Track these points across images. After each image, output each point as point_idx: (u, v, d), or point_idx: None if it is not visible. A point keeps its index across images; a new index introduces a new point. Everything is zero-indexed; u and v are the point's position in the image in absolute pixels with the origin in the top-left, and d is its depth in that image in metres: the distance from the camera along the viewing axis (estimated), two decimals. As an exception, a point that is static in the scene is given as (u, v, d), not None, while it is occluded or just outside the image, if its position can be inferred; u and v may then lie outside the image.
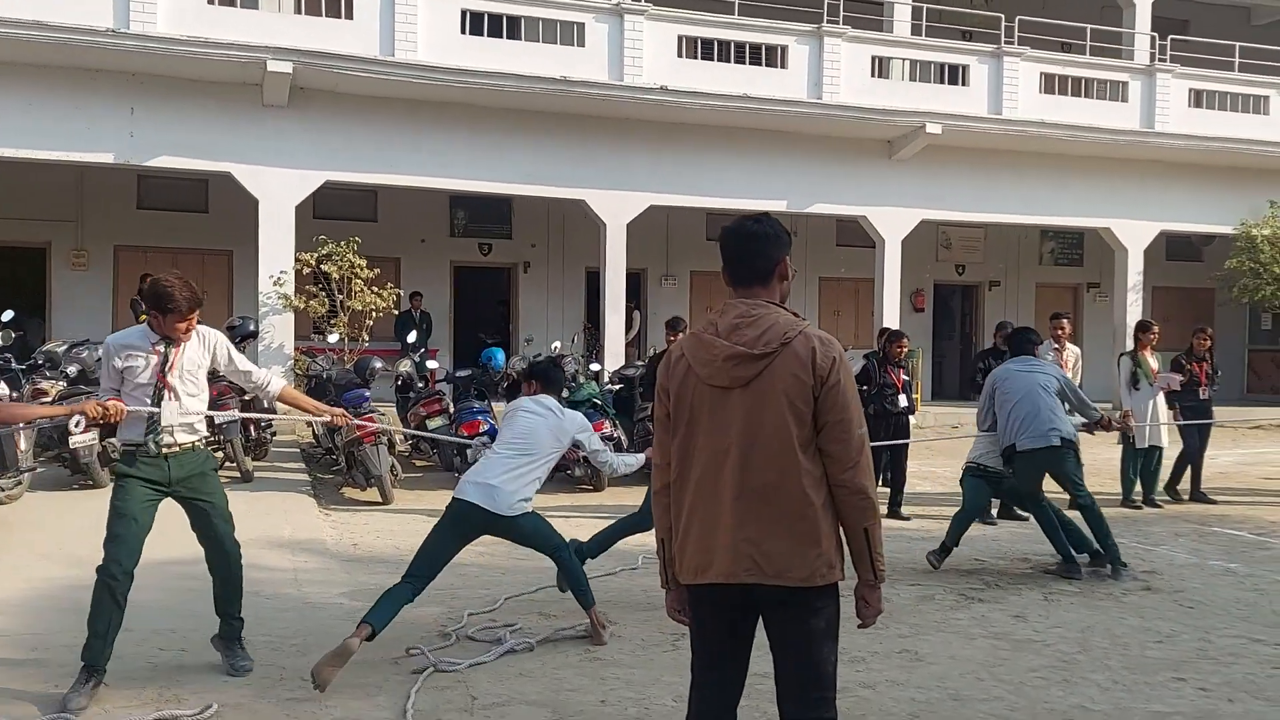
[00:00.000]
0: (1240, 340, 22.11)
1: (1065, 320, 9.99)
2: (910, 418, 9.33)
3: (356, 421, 6.82)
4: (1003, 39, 16.43)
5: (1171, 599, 6.42)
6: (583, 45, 14.35)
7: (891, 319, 15.79)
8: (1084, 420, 7.47)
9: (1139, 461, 9.73)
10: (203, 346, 4.76)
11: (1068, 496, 7.48)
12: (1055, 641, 5.52)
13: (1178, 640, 5.56)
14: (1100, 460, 10.60)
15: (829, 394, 2.78)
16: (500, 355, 11.82)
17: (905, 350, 9.42)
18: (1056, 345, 9.64)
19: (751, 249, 2.90)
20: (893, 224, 16.52)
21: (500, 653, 5.17)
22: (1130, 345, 10.53)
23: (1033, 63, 16.63)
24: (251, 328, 10.97)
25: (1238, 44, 18.04)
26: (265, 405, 8.66)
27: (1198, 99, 17.53)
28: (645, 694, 4.67)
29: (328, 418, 5.45)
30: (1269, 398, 20.25)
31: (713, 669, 2.97)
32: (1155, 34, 17.50)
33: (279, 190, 13.41)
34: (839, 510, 2.84)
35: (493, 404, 10.98)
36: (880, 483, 8.97)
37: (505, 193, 15.48)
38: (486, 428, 10.18)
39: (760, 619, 2.93)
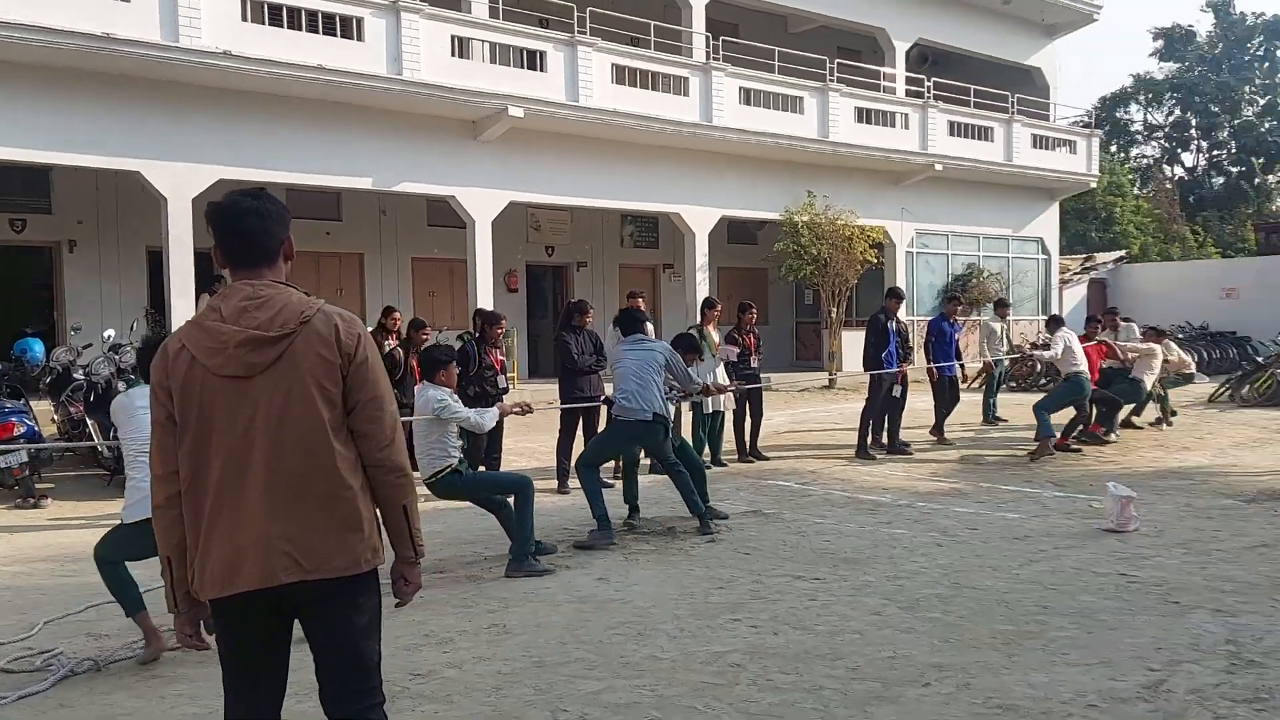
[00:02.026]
0: (789, 314, 25.07)
1: (640, 298, 10.76)
2: (505, 398, 9.43)
3: None
4: (576, 29, 17.09)
5: (732, 548, 7.06)
6: (128, 0, 12.82)
7: (485, 299, 15.91)
8: (692, 389, 8.45)
9: (706, 425, 10.62)
10: None
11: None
12: (633, 598, 5.83)
13: (735, 585, 6.11)
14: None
15: (358, 371, 2.66)
16: (38, 347, 10.33)
17: (503, 331, 9.54)
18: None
19: (256, 227, 2.70)
20: (481, 204, 16.64)
21: (56, 679, 4.58)
22: (699, 320, 11.43)
23: (604, 54, 17.45)
24: None
25: (776, 49, 20.27)
26: None
27: (747, 97, 19.40)
28: (212, 706, 4.26)
29: None
30: (813, 364, 23.09)
31: (251, 684, 2.72)
32: (710, 34, 19.14)
33: None
34: (375, 490, 2.73)
35: (30, 402, 9.55)
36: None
37: (40, 161, 13.47)
38: (23, 430, 8.85)
39: (297, 619, 2.74)
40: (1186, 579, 6.01)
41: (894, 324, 11.69)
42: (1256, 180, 43.01)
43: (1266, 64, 43.92)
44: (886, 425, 11.85)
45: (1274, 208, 41.36)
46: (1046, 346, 11.95)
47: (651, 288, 22.52)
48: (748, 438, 11.27)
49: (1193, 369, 14.40)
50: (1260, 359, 18.62)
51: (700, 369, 10.49)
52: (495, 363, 9.25)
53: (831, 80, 20.63)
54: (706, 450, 10.64)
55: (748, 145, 19.32)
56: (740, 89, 19.24)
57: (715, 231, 20.16)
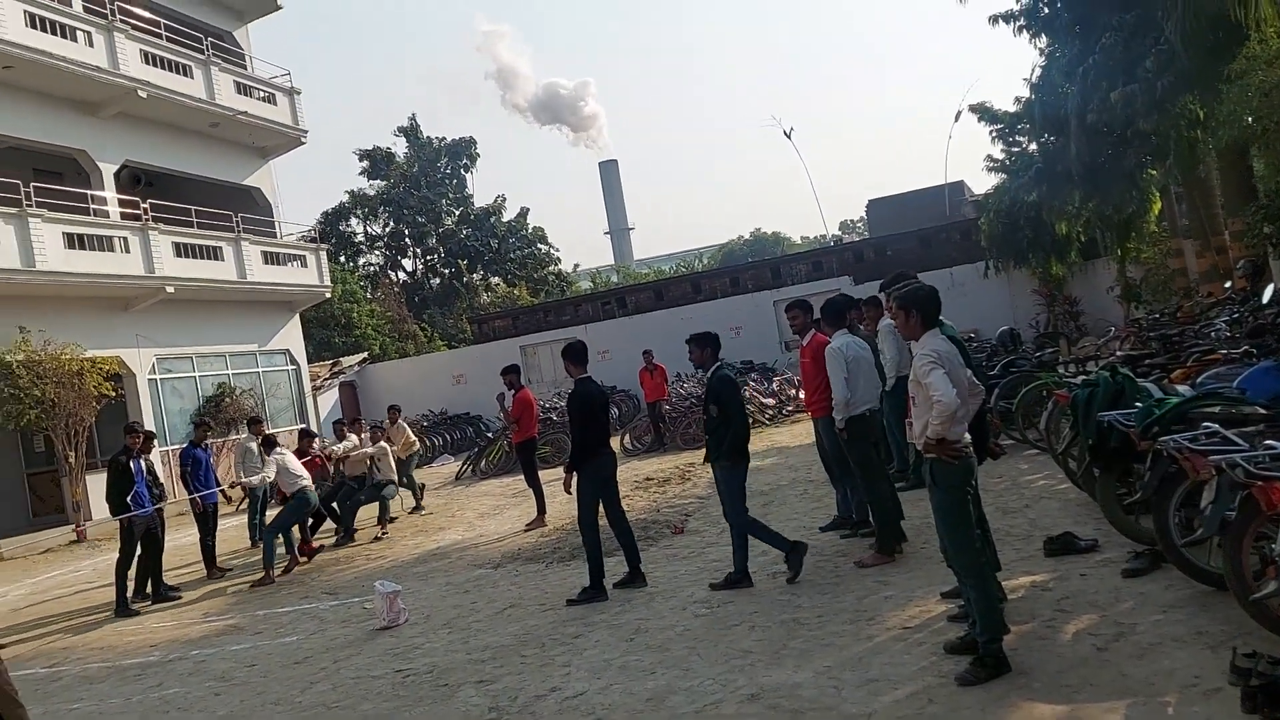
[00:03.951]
0: (18, 466, 21.73)
1: None
2: None
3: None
4: None
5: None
6: None
7: None
8: None
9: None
10: None
11: None
12: None
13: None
14: None
15: None
16: None
17: None
18: None
19: None
20: None
21: None
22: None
23: None
24: None
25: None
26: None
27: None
28: None
29: None
30: (56, 518, 20.31)
31: None
32: None
33: None
34: None
35: None
36: None
37: None
38: None
39: None
40: (453, 658, 6.51)
41: (140, 461, 10.83)
42: (465, 279, 49.40)
43: (454, 180, 50.90)
44: (150, 572, 10.87)
45: (482, 301, 47.85)
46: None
47: None
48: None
49: (418, 447, 15.75)
50: (490, 434, 21.24)
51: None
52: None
53: (30, 205, 18.60)
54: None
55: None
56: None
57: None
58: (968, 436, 4.96)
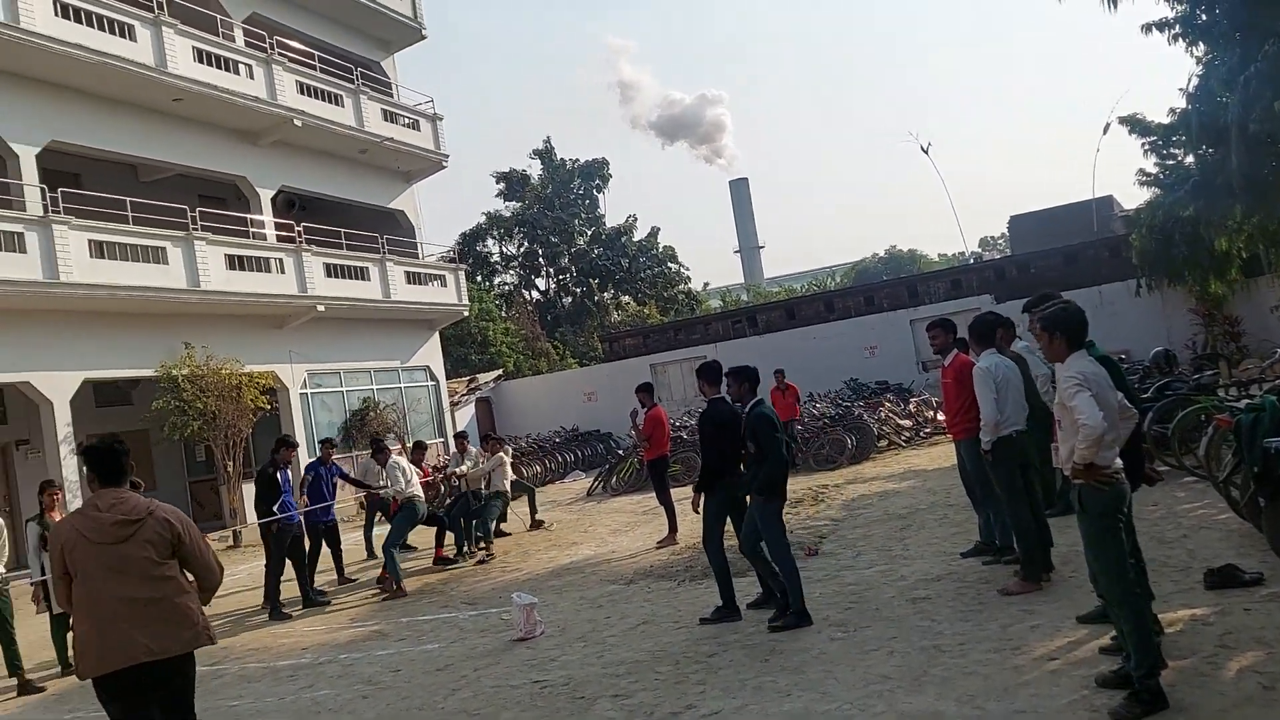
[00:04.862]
0: (181, 475, 23.13)
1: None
2: None
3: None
4: None
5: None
6: None
7: None
8: None
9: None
10: None
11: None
12: None
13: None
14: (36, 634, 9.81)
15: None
16: None
17: None
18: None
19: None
20: None
21: None
22: (40, 507, 9.85)
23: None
24: None
25: (129, 199, 18.97)
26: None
27: (99, 250, 17.72)
28: None
29: None
30: (214, 524, 21.47)
31: None
32: (45, 186, 17.32)
33: None
34: None
35: None
36: None
37: None
38: None
39: None
40: (588, 671, 6.60)
41: (287, 472, 11.39)
42: (596, 298, 50.17)
43: (587, 200, 51.83)
44: (297, 577, 11.40)
45: (613, 320, 48.47)
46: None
47: (3, 469, 19.33)
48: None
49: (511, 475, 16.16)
50: (621, 451, 21.44)
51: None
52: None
53: (195, 228, 19.83)
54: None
55: (106, 300, 17.69)
56: (90, 242, 17.58)
57: (79, 396, 18.01)
58: (1119, 462, 4.76)
